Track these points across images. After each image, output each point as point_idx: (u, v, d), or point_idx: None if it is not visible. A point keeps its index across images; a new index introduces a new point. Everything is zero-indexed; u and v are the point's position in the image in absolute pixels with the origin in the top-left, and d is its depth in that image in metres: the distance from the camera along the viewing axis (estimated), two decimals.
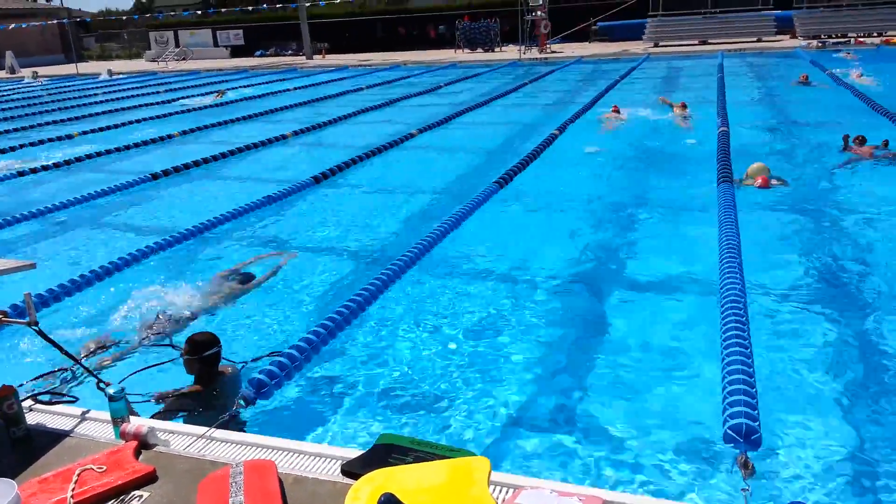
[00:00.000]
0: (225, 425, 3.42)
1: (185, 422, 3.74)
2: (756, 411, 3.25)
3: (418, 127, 13.15)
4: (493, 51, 36.52)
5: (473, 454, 2.62)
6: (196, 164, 10.77)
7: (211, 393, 4.00)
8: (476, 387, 4.21)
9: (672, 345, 4.56)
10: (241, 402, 3.83)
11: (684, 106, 13.49)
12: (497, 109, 16.30)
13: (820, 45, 27.40)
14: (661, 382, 4.10)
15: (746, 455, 3.04)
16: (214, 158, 11.16)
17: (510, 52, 34.64)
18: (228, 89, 22.79)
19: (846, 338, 4.53)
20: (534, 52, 32.51)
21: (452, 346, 4.73)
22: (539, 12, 33.35)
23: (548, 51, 32.99)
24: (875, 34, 29.33)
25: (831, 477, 3.22)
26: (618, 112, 13.51)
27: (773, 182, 7.87)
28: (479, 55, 34.90)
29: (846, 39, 28.42)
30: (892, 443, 3.45)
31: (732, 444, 3.12)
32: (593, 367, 4.37)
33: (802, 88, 15.90)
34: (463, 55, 35.18)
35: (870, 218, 6.90)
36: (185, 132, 14.21)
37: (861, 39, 28.18)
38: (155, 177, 10.00)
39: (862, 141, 9.13)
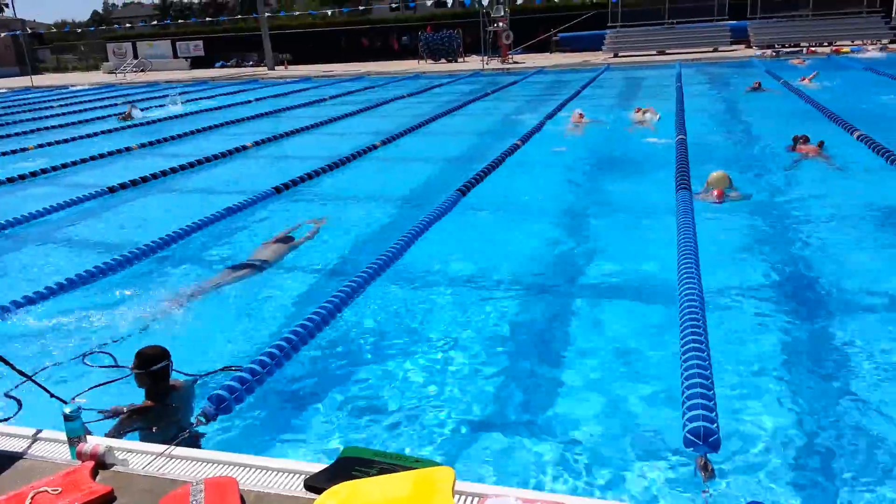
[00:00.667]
0: (185, 442, 3.37)
1: (140, 439, 3.67)
2: (714, 413, 3.31)
3: (382, 138, 13.15)
4: (455, 61, 36.78)
5: (437, 464, 2.62)
6: (154, 176, 10.60)
7: (163, 408, 3.92)
8: (440, 396, 4.21)
9: (634, 349, 4.62)
10: (202, 418, 3.78)
11: (647, 111, 13.88)
12: (461, 119, 16.40)
13: (774, 54, 28.20)
14: (622, 387, 4.15)
15: (706, 457, 3.10)
16: (173, 171, 11.01)
17: (473, 62, 34.92)
18: (189, 100, 22.53)
19: (802, 339, 4.65)
20: (496, 63, 32.80)
21: (417, 355, 4.73)
22: (501, 23, 33.72)
23: (510, 61, 33.33)
24: (826, 44, 30.28)
25: (789, 476, 3.29)
26: (582, 118, 13.91)
27: (732, 195, 7.76)
28: (443, 66, 35.10)
29: (799, 49, 29.29)
30: (846, 439, 3.54)
31: (692, 448, 3.18)
32: (556, 373, 4.40)
33: (755, 94, 16.70)
34: (426, 66, 35.36)
35: (818, 215, 7.25)
36: (143, 145, 13.98)
37: (813, 49, 29.07)
38: (112, 190, 9.82)
39: (806, 140, 9.85)
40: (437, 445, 3.75)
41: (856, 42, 29.83)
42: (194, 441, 3.64)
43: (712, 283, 5.39)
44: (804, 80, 18.07)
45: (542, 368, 4.50)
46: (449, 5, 49.54)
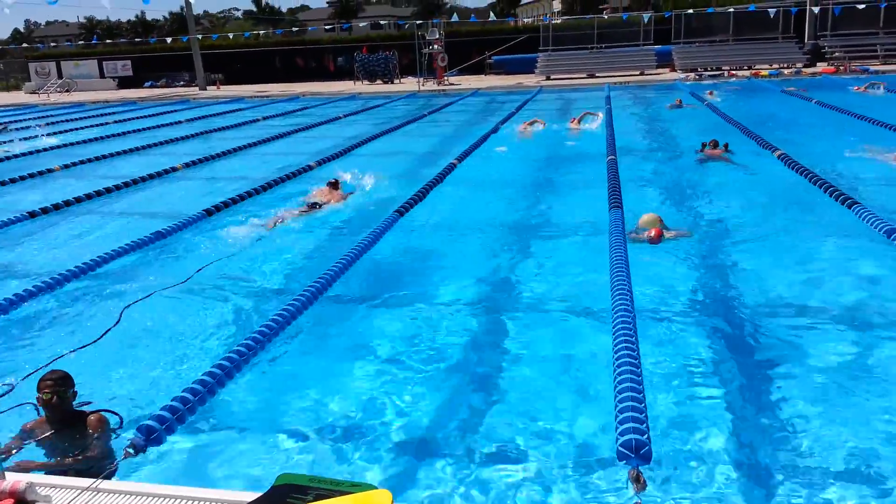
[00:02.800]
0: (112, 475, 3.24)
1: (50, 463, 3.51)
2: (645, 426, 3.40)
3: (317, 159, 13.06)
4: (392, 82, 36.93)
5: (374, 487, 2.60)
6: (78, 200, 10.21)
7: (70, 437, 3.75)
8: (377, 419, 4.18)
9: (569, 364, 4.70)
10: (130, 450, 3.64)
11: (579, 121, 16.20)
12: (398, 139, 16.46)
13: (697, 77, 29.45)
14: (557, 402, 4.21)
15: (638, 469, 3.17)
16: (98, 194, 10.64)
17: (409, 84, 35.14)
18: (116, 121, 21.88)
19: (730, 350, 4.83)
20: (432, 85, 33.12)
21: (353, 379, 4.69)
22: (436, 46, 34.11)
23: (446, 83, 33.70)
24: (746, 67, 31.79)
25: (721, 485, 3.40)
26: (529, 126, 15.93)
27: (668, 234, 7.20)
28: (379, 87, 35.20)
29: (720, 72, 30.65)
30: (772, 449, 3.69)
31: (625, 461, 3.25)
32: (493, 391, 4.44)
33: (677, 110, 18.77)
34: (362, 87, 35.38)
35: (731, 211, 8.42)
36: (66, 166, 13.49)
37: (734, 72, 30.47)
38: (32, 215, 9.40)
39: (715, 145, 11.70)
40: (375, 469, 3.71)
41: (773, 66, 31.44)
42: (125, 474, 3.50)
43: (644, 299, 5.55)
44: (711, 95, 21.23)
45: (480, 386, 4.53)
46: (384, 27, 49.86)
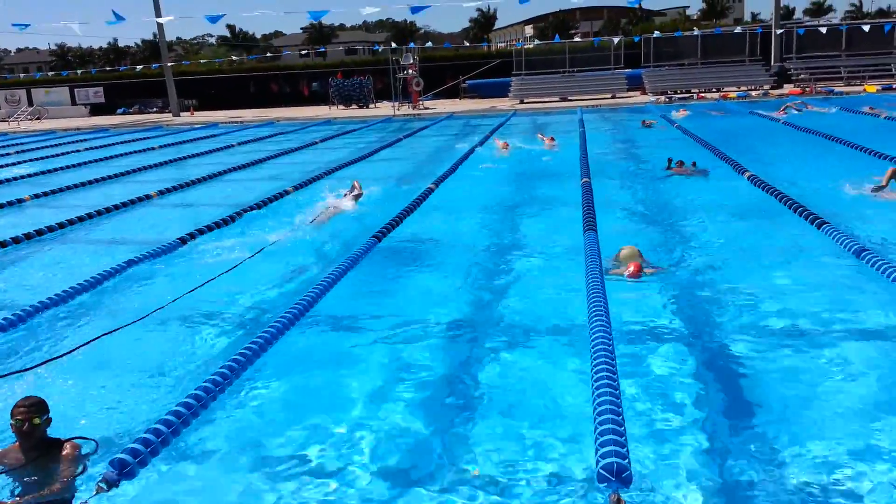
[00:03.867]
0: None
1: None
2: (625, 449, 3.40)
3: (293, 184, 13.03)
4: (367, 107, 37.09)
5: None
6: (51, 229, 10.05)
7: (43, 465, 3.65)
8: (353, 446, 4.13)
9: (548, 389, 4.69)
10: (103, 484, 3.56)
11: (552, 139, 17.33)
12: (374, 164, 16.49)
13: (667, 99, 29.99)
14: (538, 427, 4.19)
15: (618, 493, 3.16)
16: (71, 223, 10.49)
17: (384, 108, 35.32)
18: (86, 148, 21.67)
19: (709, 370, 4.86)
20: (407, 109, 33.33)
21: (330, 408, 4.63)
22: (410, 70, 34.39)
23: (421, 107, 33.93)
24: (714, 90, 32.46)
25: None
26: (506, 146, 16.90)
27: (648, 270, 6.88)
28: (354, 111, 35.32)
29: (690, 94, 31.26)
30: (751, 469, 3.70)
31: (605, 484, 3.24)
32: (471, 416, 4.40)
33: (646, 129, 19.93)
34: (337, 111, 35.48)
35: (699, 223, 8.86)
36: (38, 195, 13.29)
37: (703, 94, 31.08)
38: (2, 245, 9.23)
39: (680, 164, 12.48)
40: (353, 498, 3.66)
41: (741, 88, 32.14)
42: None
43: (622, 321, 5.58)
44: (680, 114, 22.82)
45: (457, 411, 4.50)
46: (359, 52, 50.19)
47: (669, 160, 12.56)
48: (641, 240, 7.96)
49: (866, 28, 34.12)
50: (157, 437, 3.94)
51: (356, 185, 11.55)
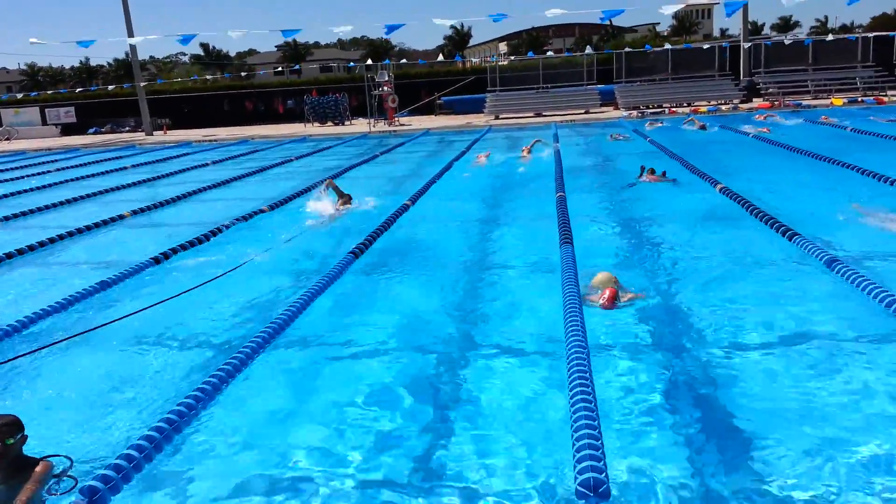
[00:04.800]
0: None
1: None
2: (603, 463, 3.40)
3: (269, 202, 12.95)
4: (343, 124, 37.09)
5: None
6: (20, 251, 9.87)
7: (16, 487, 3.56)
8: (328, 466, 4.08)
9: (525, 405, 4.69)
10: None
11: (529, 150, 18.50)
12: (350, 180, 16.43)
13: (639, 114, 30.43)
14: (514, 443, 4.18)
15: None
16: (41, 245, 10.31)
17: (360, 125, 35.34)
18: (57, 169, 21.39)
19: (687, 383, 4.88)
20: (383, 125, 33.40)
21: (308, 428, 4.58)
22: (385, 87, 34.52)
23: (396, 123, 34.03)
24: (685, 104, 32.99)
25: None
26: (484, 157, 17.73)
27: (624, 297, 6.44)
28: (330, 129, 35.30)
29: (661, 109, 31.73)
30: (729, 482, 3.73)
31: (584, 500, 3.24)
32: (446, 433, 4.37)
33: (616, 142, 20.68)
34: (313, 129, 35.43)
35: (672, 234, 9.05)
36: (7, 217, 13.07)
37: (674, 109, 31.56)
38: None
39: (651, 171, 13.14)
40: None
41: (711, 102, 32.69)
42: None
43: (598, 335, 5.61)
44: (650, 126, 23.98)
45: (433, 427, 4.47)
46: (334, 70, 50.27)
47: (642, 168, 13.26)
48: (614, 249, 8.05)
49: (831, 42, 35.02)
50: (129, 462, 3.86)
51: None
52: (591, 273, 6.98)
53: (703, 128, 22.07)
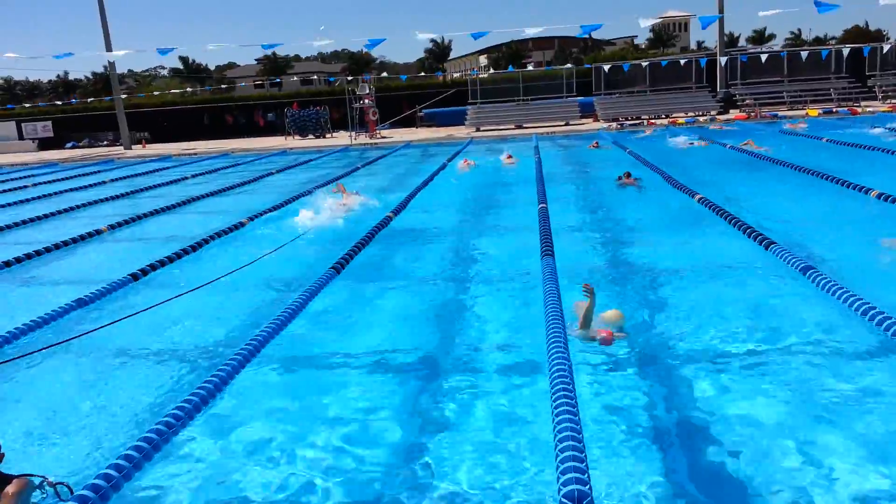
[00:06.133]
0: None
1: None
2: (586, 475, 3.39)
3: (249, 215, 12.88)
4: (324, 137, 37.04)
5: None
6: None
7: None
8: (319, 479, 4.04)
9: (508, 417, 4.68)
10: None
11: (510, 156, 19.66)
12: (332, 193, 16.37)
13: (619, 126, 30.73)
14: (497, 455, 4.16)
15: None
16: (18, 261, 10.15)
17: (341, 137, 35.31)
18: (33, 184, 21.15)
19: (670, 395, 4.90)
20: (364, 138, 33.41)
21: (293, 441, 4.53)
22: (366, 100, 34.56)
23: (378, 136, 34.06)
24: (664, 116, 33.37)
25: None
26: (468, 163, 19.05)
27: (618, 335, 5.96)
28: (311, 142, 35.24)
29: (640, 121, 32.06)
30: (716, 494, 3.74)
31: None
32: (429, 447, 4.35)
33: (595, 151, 21.89)
34: (294, 142, 35.35)
35: (646, 234, 9.66)
36: None
37: (653, 121, 31.90)
38: None
39: (628, 175, 14.27)
40: None
41: (689, 114, 33.09)
42: None
43: (580, 350, 5.62)
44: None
45: (417, 442, 4.44)
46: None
47: (620, 176, 14.32)
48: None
49: (805, 55, 35.65)
50: (107, 482, 3.80)
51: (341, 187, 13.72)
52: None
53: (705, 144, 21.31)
